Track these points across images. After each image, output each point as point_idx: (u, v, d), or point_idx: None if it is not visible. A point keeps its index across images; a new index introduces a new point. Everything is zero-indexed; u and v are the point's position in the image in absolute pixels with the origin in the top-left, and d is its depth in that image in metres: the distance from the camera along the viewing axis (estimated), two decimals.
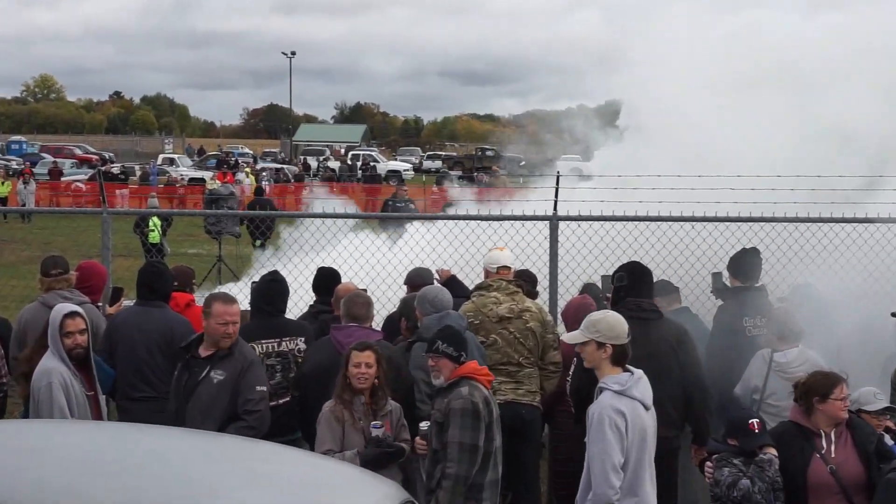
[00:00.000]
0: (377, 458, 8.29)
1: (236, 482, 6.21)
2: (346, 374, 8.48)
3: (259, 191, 36.75)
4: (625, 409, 7.38)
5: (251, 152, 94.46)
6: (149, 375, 9.69)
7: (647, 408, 7.57)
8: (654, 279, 9.86)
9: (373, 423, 8.39)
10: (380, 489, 6.82)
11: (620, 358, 7.62)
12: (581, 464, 8.33)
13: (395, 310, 11.17)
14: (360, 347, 8.59)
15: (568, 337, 7.92)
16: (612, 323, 7.67)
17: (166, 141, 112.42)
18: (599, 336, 7.58)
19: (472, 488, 8.02)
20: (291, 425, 9.49)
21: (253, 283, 10.50)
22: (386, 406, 8.60)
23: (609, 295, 10.34)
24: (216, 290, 11.61)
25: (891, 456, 7.92)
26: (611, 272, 10.63)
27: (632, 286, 9.19)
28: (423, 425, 8.41)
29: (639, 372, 7.64)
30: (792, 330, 9.71)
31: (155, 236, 25.89)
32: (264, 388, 8.78)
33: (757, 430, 8.09)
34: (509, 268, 10.62)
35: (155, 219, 25.83)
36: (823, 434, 8.13)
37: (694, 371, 9.12)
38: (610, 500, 7.29)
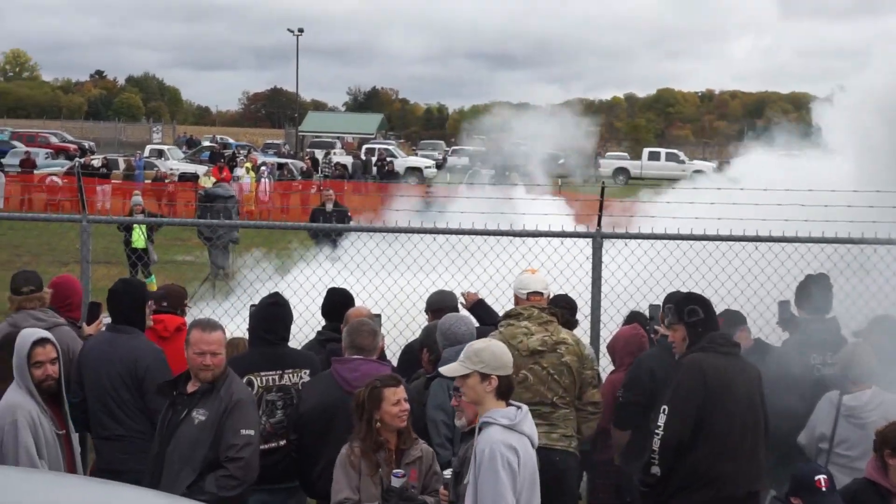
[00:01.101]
0: None
1: None
2: (376, 417, 8.37)
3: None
4: (516, 446, 7.40)
5: (241, 143, 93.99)
6: (116, 411, 9.68)
7: (534, 446, 7.62)
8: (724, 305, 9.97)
9: (394, 471, 8.31)
10: None
11: (506, 391, 7.64)
12: None
13: (414, 338, 11.20)
14: (392, 382, 8.51)
15: (447, 369, 7.87)
16: (496, 352, 7.68)
17: (154, 129, 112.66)
18: (484, 367, 7.57)
19: None
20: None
21: (252, 306, 10.52)
22: (413, 451, 8.55)
23: (658, 327, 10.37)
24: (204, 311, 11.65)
25: None
26: (660, 300, 10.68)
27: (708, 319, 9.30)
28: (448, 473, 8.40)
29: (525, 407, 7.67)
30: (863, 368, 9.68)
31: (139, 241, 25.95)
32: (251, 433, 8.69)
33: (824, 488, 8.07)
34: (542, 293, 10.65)
35: None
36: None
37: (767, 417, 9.31)
38: None
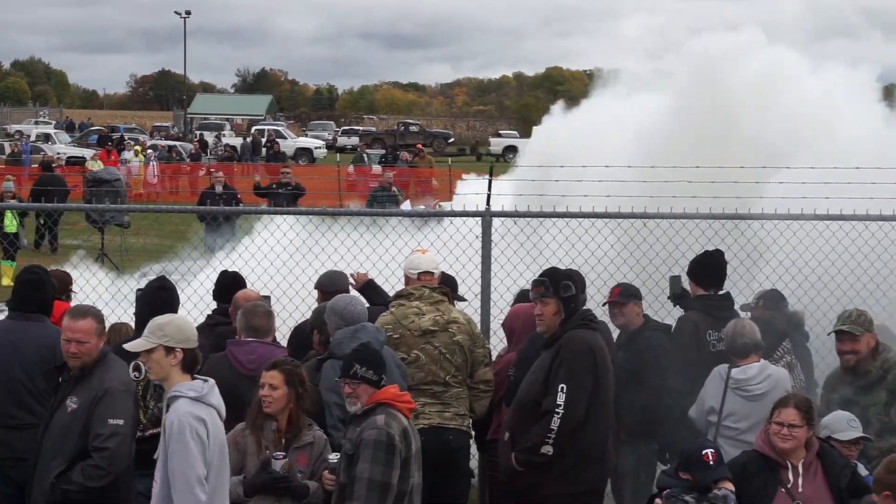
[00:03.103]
0: (262, 487, 8.31)
1: None
2: (258, 399, 8.48)
3: (47, 166, 36.34)
4: (205, 417, 7.49)
5: (130, 126, 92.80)
6: (28, 401, 9.38)
7: (222, 418, 7.71)
8: (613, 282, 10.43)
9: (275, 453, 8.37)
10: None
11: (191, 364, 7.70)
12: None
13: (304, 319, 11.09)
14: (267, 366, 8.58)
15: (131, 345, 7.91)
16: (181, 326, 7.78)
17: (41, 113, 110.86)
18: (168, 340, 7.61)
19: None
20: None
21: (138, 290, 10.33)
22: (304, 436, 8.58)
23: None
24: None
25: (865, 490, 7.97)
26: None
27: (579, 295, 9.28)
28: (333, 457, 8.37)
29: (211, 381, 7.73)
30: (746, 342, 9.73)
31: (12, 225, 25.58)
32: (119, 422, 8.42)
33: (712, 462, 8.08)
34: (433, 273, 10.59)
35: None
36: (790, 466, 8.18)
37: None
38: None
